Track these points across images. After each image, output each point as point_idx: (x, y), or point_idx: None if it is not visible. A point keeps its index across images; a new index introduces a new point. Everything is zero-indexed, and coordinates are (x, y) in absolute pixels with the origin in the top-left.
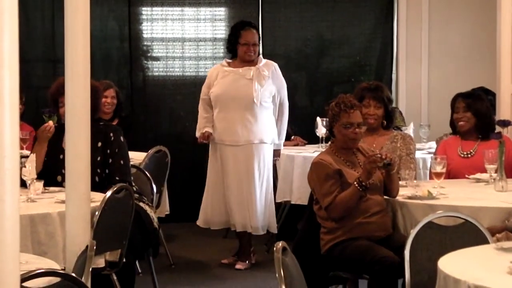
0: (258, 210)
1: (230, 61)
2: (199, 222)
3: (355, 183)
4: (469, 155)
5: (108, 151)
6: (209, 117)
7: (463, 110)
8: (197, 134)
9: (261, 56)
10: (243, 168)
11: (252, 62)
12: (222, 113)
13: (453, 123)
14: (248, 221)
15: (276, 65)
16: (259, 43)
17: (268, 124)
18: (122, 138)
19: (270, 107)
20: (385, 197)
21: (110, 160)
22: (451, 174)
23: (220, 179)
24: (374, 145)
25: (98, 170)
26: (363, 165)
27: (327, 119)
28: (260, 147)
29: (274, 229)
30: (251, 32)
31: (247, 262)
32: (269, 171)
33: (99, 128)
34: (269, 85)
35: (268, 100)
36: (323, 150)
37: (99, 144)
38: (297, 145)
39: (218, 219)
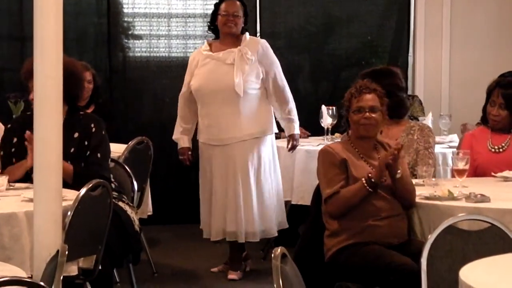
0: (255, 214)
1: (212, 41)
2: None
3: (363, 179)
4: (501, 150)
5: (86, 143)
6: (187, 117)
7: (499, 107)
8: (174, 137)
9: (247, 33)
10: (232, 169)
11: (233, 38)
12: (205, 109)
13: (485, 114)
14: (241, 227)
15: (264, 42)
16: (244, 18)
17: (258, 115)
18: (104, 131)
19: (259, 94)
20: None
21: (88, 153)
22: (478, 171)
23: (210, 184)
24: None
25: (69, 163)
26: (379, 160)
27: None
28: (252, 143)
29: (285, 224)
30: (231, 3)
31: (238, 271)
32: (270, 167)
33: (77, 117)
34: (254, 68)
35: (255, 86)
36: (329, 142)
37: (76, 134)
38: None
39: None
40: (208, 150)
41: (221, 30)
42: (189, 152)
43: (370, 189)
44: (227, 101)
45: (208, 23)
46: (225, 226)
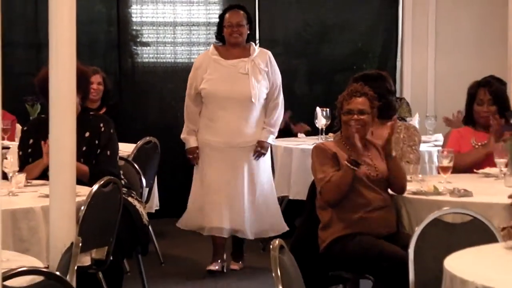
0: (261, 213)
1: (219, 46)
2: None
3: (345, 160)
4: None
5: (97, 142)
6: (194, 117)
7: (488, 103)
8: (182, 136)
9: (253, 44)
10: (240, 171)
11: (239, 48)
12: (216, 113)
13: (470, 113)
14: (247, 225)
15: (270, 53)
16: (248, 25)
17: (262, 123)
18: (112, 130)
19: (264, 103)
20: (391, 193)
21: (98, 151)
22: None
23: (216, 183)
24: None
25: (82, 160)
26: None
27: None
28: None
29: (281, 230)
30: (234, 13)
31: (240, 262)
32: (270, 171)
33: (88, 117)
34: (265, 79)
35: (264, 96)
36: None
37: (87, 134)
38: (300, 132)
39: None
40: (215, 152)
41: (227, 40)
42: (197, 151)
43: (353, 167)
44: (240, 108)
45: (215, 33)
46: (232, 224)
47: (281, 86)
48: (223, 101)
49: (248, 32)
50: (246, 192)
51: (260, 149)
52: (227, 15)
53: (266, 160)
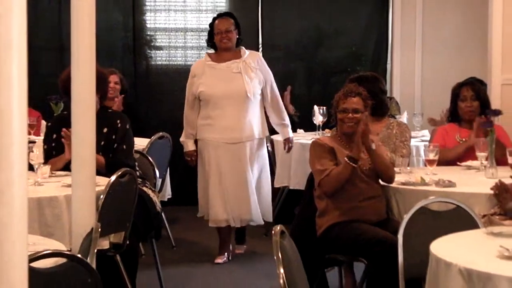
0: (262, 202)
1: (212, 53)
2: (212, 223)
3: (345, 157)
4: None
5: (114, 136)
6: (192, 122)
7: (471, 99)
8: (181, 139)
9: (243, 48)
10: (242, 165)
11: (230, 52)
12: (216, 111)
13: (455, 111)
14: (249, 214)
15: (259, 54)
16: (236, 30)
17: (261, 119)
18: (128, 126)
19: (260, 99)
20: (382, 183)
21: (115, 145)
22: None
23: (217, 178)
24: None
25: (100, 154)
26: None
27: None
28: (257, 143)
29: (270, 218)
30: (223, 20)
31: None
32: (267, 164)
33: (106, 114)
34: (257, 76)
35: (259, 92)
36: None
37: (105, 129)
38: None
39: (225, 216)
40: (218, 148)
41: (218, 46)
42: (195, 154)
43: (352, 164)
44: (237, 105)
45: (206, 40)
46: (239, 213)
47: (274, 81)
48: (220, 100)
49: (237, 36)
50: (247, 184)
51: (290, 144)
52: (216, 22)
53: (263, 154)
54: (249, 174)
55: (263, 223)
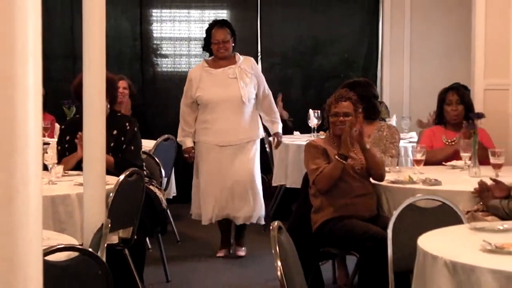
0: (257, 200)
1: (209, 59)
2: (205, 221)
3: (336, 155)
4: (452, 143)
5: (123, 138)
6: (189, 122)
7: (456, 103)
8: (179, 139)
9: (237, 54)
10: (243, 165)
11: (227, 59)
12: (213, 115)
13: (441, 114)
14: (251, 212)
15: (253, 60)
16: (232, 38)
17: (256, 121)
18: (136, 128)
19: (254, 103)
20: (374, 182)
21: (124, 146)
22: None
23: (217, 179)
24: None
25: (110, 154)
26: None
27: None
28: (251, 144)
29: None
30: (220, 31)
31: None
32: (259, 165)
33: (116, 118)
34: (252, 81)
35: (253, 96)
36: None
37: (114, 132)
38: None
39: (221, 213)
40: (215, 150)
41: (215, 55)
42: (192, 151)
43: (342, 161)
44: (233, 109)
45: (202, 46)
46: (238, 211)
47: (266, 85)
48: (217, 105)
49: (233, 44)
50: (248, 181)
51: (279, 139)
52: (213, 32)
53: (256, 155)
54: (246, 174)
55: (263, 222)
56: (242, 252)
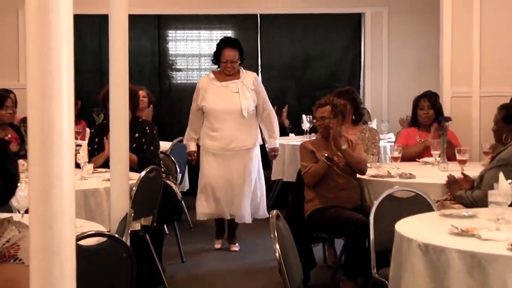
0: (256, 200)
1: (216, 71)
2: (203, 216)
3: (323, 157)
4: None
5: (143, 140)
6: (196, 128)
7: (428, 108)
8: (184, 142)
9: (241, 68)
10: (241, 170)
11: (232, 75)
12: (216, 125)
13: (415, 118)
14: (241, 212)
15: (255, 75)
16: (239, 56)
17: (254, 131)
18: (155, 132)
19: (254, 114)
20: (358, 176)
21: (145, 147)
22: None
23: (216, 181)
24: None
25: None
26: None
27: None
28: (251, 151)
29: (265, 215)
30: (229, 51)
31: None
32: (260, 169)
33: (138, 122)
34: (252, 96)
35: (253, 109)
36: (307, 139)
37: (136, 135)
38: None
39: (222, 211)
40: (217, 155)
41: (223, 71)
42: (195, 154)
43: (327, 162)
44: (234, 120)
45: (212, 59)
46: (237, 210)
47: (266, 97)
48: (219, 115)
49: (240, 62)
50: (241, 185)
51: (274, 153)
52: (223, 51)
53: (256, 160)
54: (239, 177)
55: (250, 221)
56: (235, 247)
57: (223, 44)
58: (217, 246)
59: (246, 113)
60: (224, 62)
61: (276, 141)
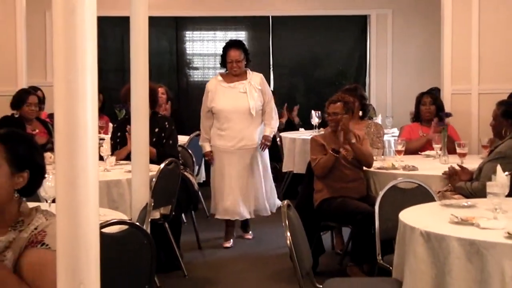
0: (265, 197)
1: (223, 73)
2: (220, 215)
3: (330, 150)
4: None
5: (163, 134)
6: (207, 129)
7: (429, 104)
8: (200, 143)
9: (248, 69)
10: (249, 167)
11: (239, 76)
12: (226, 124)
13: (418, 113)
14: (258, 206)
15: (262, 76)
16: (245, 57)
17: (261, 129)
18: (173, 126)
19: (260, 114)
20: (364, 168)
21: (164, 141)
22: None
23: (228, 178)
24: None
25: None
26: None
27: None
28: (258, 149)
29: (273, 209)
30: (234, 51)
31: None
32: (268, 165)
33: (157, 118)
34: (259, 96)
35: (260, 108)
36: (316, 134)
37: (156, 129)
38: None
39: (240, 209)
40: (228, 154)
41: (229, 72)
42: (211, 154)
43: (334, 154)
44: (242, 119)
45: (220, 62)
46: (249, 207)
47: (272, 98)
48: (229, 114)
49: (245, 62)
50: (251, 181)
51: (264, 141)
52: (228, 52)
53: (266, 157)
54: (255, 174)
55: (269, 214)
56: (249, 235)
57: (228, 46)
58: (227, 245)
59: (254, 112)
60: (230, 62)
61: (272, 131)
